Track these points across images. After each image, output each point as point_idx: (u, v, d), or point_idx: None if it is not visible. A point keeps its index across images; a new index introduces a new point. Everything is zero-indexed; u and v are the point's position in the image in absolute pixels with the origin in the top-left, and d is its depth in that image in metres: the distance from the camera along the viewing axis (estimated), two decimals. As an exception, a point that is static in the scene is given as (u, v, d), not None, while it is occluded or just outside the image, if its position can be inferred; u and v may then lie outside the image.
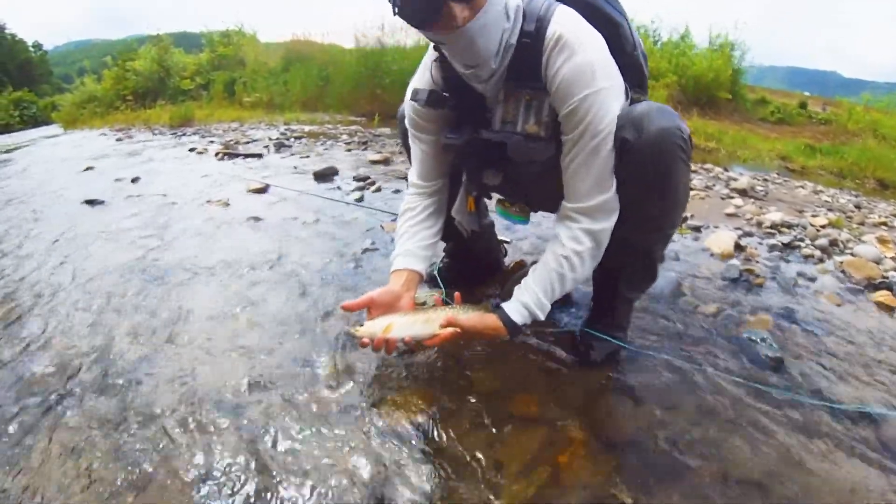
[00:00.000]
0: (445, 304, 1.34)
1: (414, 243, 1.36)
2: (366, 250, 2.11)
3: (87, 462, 1.10)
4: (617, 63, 1.14)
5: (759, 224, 2.57)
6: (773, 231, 2.46)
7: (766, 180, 4.10)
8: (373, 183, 3.19)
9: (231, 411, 1.22)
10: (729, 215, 2.76)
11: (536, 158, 1.16)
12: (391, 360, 1.38)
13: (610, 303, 1.38)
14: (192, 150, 4.89)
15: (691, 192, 3.24)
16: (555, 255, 1.18)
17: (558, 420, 1.20)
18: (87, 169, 4.33)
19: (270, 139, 5.22)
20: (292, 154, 4.46)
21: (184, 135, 6.31)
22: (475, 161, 1.27)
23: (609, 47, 1.12)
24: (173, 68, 10.92)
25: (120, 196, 3.27)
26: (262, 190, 3.16)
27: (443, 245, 1.76)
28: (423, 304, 1.57)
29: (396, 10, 0.99)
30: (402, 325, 1.21)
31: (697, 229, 2.45)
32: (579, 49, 1.05)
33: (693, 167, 4.41)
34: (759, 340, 1.45)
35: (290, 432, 1.15)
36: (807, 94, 12.38)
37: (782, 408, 1.23)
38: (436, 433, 1.15)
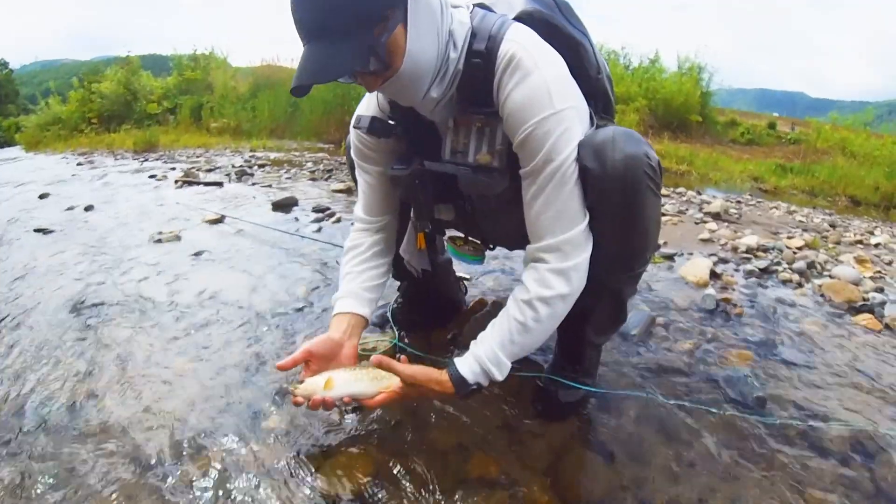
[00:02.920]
0: (397, 351, 1.19)
1: (358, 284, 1.21)
2: (316, 288, 1.95)
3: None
4: (581, 89, 1.02)
5: (735, 249, 2.49)
6: (749, 256, 2.37)
7: (739, 202, 4.08)
8: (332, 214, 3.05)
9: (153, 471, 1.07)
10: (703, 241, 2.67)
11: (489, 193, 1.02)
12: (336, 415, 1.22)
13: (576, 348, 1.23)
14: (151, 176, 4.70)
15: (664, 218, 3.16)
16: (516, 301, 1.01)
17: (520, 482, 1.04)
18: (43, 196, 4.14)
19: (234, 167, 5.06)
20: (253, 183, 4.30)
21: (146, 160, 6.11)
22: (425, 195, 1.13)
23: (571, 72, 1.00)
24: (140, 91, 10.67)
25: (72, 225, 3.10)
26: (218, 221, 2.99)
27: (396, 284, 1.60)
28: (373, 349, 1.41)
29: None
30: (344, 382, 1.06)
31: (671, 257, 2.34)
32: (534, 69, 0.92)
33: (665, 191, 4.39)
34: (742, 378, 1.31)
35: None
36: (776, 114, 12.78)
37: (772, 457, 1.09)
38: (378, 500, 0.99)
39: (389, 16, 0.85)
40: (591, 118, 1.09)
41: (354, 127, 1.12)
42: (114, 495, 1.01)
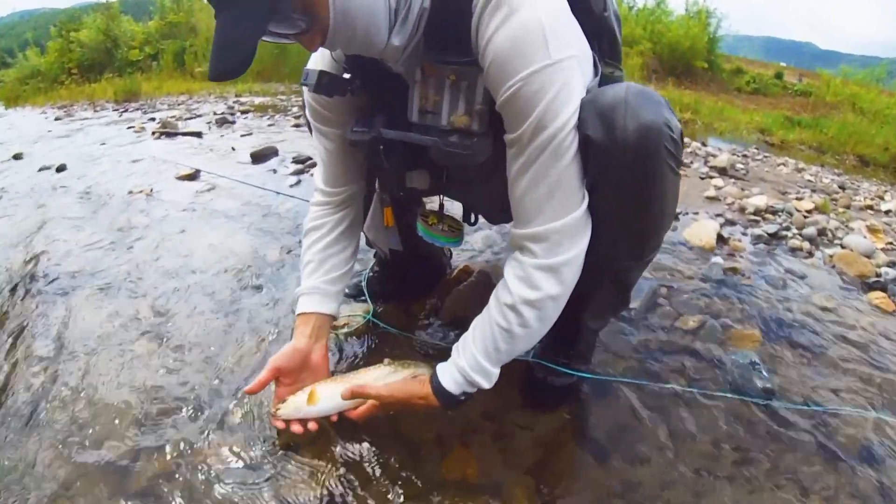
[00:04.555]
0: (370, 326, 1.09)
1: (320, 277, 1.07)
2: (290, 251, 1.80)
3: None
4: (584, 28, 0.83)
5: (742, 209, 2.33)
6: (757, 218, 2.22)
7: (745, 156, 3.88)
8: (313, 164, 2.85)
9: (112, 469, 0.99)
10: (709, 199, 2.51)
11: (468, 163, 0.84)
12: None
13: (571, 332, 1.09)
14: (129, 128, 4.44)
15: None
16: (499, 304, 0.85)
17: (501, 484, 0.96)
18: (16, 157, 3.91)
19: (215, 114, 4.78)
20: (234, 131, 4.05)
21: (125, 111, 5.78)
22: (392, 161, 0.93)
23: (572, 7, 0.80)
24: (121, 38, 10.02)
25: (42, 188, 2.90)
26: (193, 176, 2.80)
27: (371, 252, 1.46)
28: (345, 325, 1.30)
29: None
30: (330, 394, 0.96)
31: (675, 217, 2.19)
32: (523, 4, 0.71)
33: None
34: (749, 364, 1.20)
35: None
36: (783, 64, 12.31)
37: (777, 456, 0.99)
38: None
39: None
40: (595, 65, 0.91)
41: (302, 83, 0.92)
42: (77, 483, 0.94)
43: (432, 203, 1.19)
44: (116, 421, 1.10)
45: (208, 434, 1.06)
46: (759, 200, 2.39)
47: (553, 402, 1.12)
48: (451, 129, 0.83)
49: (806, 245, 1.93)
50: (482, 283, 1.43)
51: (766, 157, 4.02)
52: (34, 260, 1.90)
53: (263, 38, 0.71)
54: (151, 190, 2.57)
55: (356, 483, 0.95)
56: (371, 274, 1.46)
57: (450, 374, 0.89)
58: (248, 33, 0.68)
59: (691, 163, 3.38)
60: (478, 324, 0.90)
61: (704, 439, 1.04)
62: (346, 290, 1.41)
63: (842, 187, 3.23)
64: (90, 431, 1.08)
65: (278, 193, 2.32)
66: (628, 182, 0.78)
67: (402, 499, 0.92)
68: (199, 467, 0.99)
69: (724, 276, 1.63)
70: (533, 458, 1.02)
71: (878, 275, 1.69)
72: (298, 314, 1.06)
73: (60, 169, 3.27)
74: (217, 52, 0.69)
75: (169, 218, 2.20)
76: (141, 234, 2.05)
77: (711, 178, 2.98)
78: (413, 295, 1.45)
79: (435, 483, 0.96)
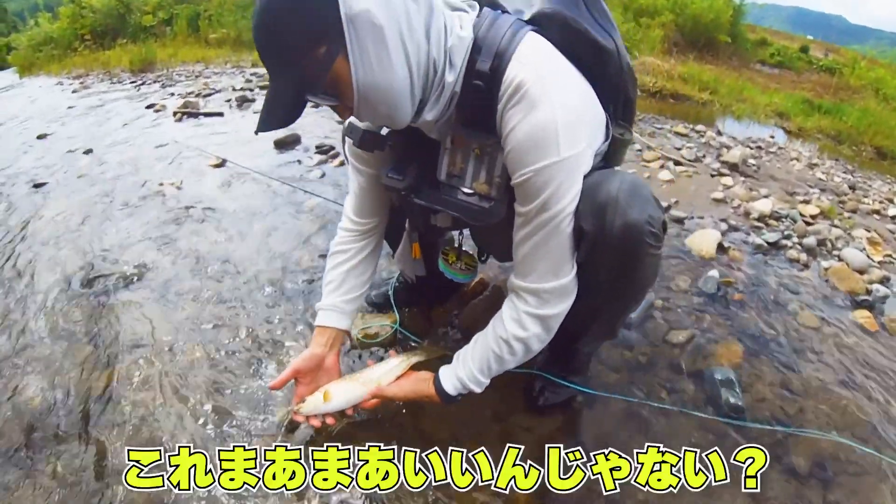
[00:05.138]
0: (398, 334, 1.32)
1: (339, 296, 1.22)
2: (322, 255, 1.93)
3: None
4: (599, 92, 0.96)
5: (747, 214, 2.42)
6: (760, 225, 2.31)
7: (760, 148, 3.90)
8: (335, 155, 2.96)
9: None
10: (716, 201, 2.59)
11: (484, 223, 0.99)
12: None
13: (566, 353, 1.26)
14: (149, 106, 4.53)
15: (679, 169, 3.06)
16: (495, 334, 1.03)
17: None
18: (40, 137, 4.03)
19: (234, 90, 4.85)
20: (255, 112, 4.13)
21: (143, 83, 5.83)
22: (421, 206, 1.08)
23: (591, 74, 0.93)
24: (133, 3, 9.92)
25: (71, 174, 3.04)
26: (219, 165, 2.94)
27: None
28: (375, 335, 1.46)
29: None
30: (341, 393, 1.15)
31: (681, 221, 2.29)
32: (542, 102, 0.83)
33: (684, 130, 4.19)
34: (724, 381, 1.34)
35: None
36: (810, 37, 11.84)
37: (736, 465, 1.14)
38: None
39: (319, 51, 0.78)
40: (607, 127, 1.03)
41: (345, 135, 1.06)
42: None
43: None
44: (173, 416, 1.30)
45: (248, 429, 1.25)
46: (765, 205, 2.46)
47: (549, 409, 1.29)
48: (473, 192, 0.97)
49: (803, 257, 2.03)
50: (494, 297, 1.59)
51: (780, 149, 4.03)
52: (84, 256, 2.06)
53: (309, 99, 0.85)
54: (181, 182, 2.71)
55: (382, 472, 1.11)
56: (397, 284, 1.61)
57: (450, 381, 1.08)
58: (288, 100, 0.84)
59: (703, 156, 3.42)
60: (478, 341, 1.07)
61: (674, 447, 1.19)
62: (374, 300, 1.59)
63: (852, 187, 3.27)
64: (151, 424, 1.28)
65: (305, 192, 2.45)
66: (613, 265, 0.94)
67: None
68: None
69: (717, 290, 1.75)
70: (531, 457, 1.19)
71: (868, 292, 1.79)
72: (317, 325, 1.23)
73: (87, 152, 3.39)
74: (264, 110, 0.86)
75: (200, 216, 2.34)
76: (176, 232, 2.20)
77: (722, 175, 3.04)
78: (435, 303, 1.62)
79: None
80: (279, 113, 0.84)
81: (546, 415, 1.29)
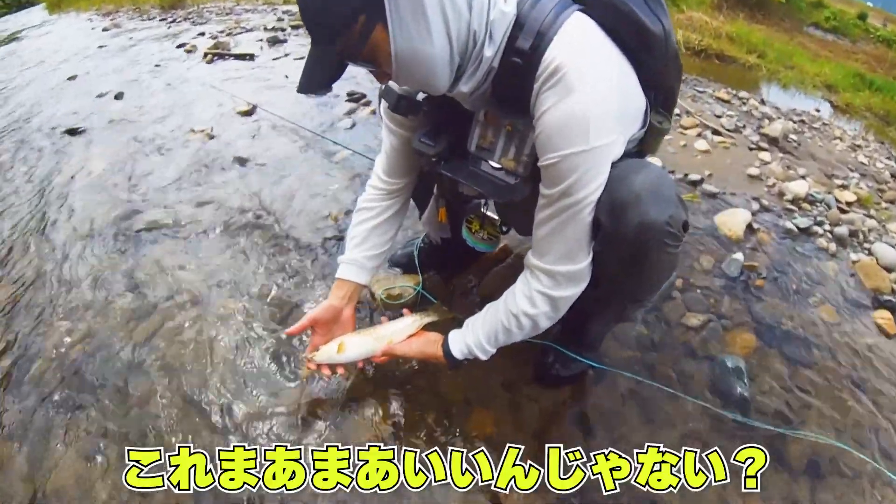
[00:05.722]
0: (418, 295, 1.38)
1: (361, 252, 1.25)
2: (348, 212, 1.95)
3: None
4: (642, 77, 0.93)
5: (781, 195, 2.34)
6: (793, 208, 2.24)
7: (802, 122, 3.72)
8: (367, 103, 2.90)
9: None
10: (751, 178, 2.50)
11: (509, 200, 1.00)
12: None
13: (579, 330, 1.28)
14: (179, 46, 4.43)
15: (715, 139, 2.95)
16: (506, 307, 1.05)
17: (511, 442, 1.14)
18: (70, 78, 3.99)
19: (266, 29, 4.70)
20: (286, 54, 4.01)
21: (174, 21, 5.68)
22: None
23: (636, 59, 0.91)
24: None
25: (103, 120, 3.07)
26: (249, 112, 2.92)
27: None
28: (398, 296, 1.51)
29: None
30: (354, 345, 1.20)
31: (713, 196, 2.24)
32: (577, 89, 0.81)
33: (727, 96, 3.99)
34: (733, 370, 1.36)
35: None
36: (869, 4, 10.97)
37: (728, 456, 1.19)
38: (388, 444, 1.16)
39: (360, 20, 0.79)
40: (645, 114, 1.00)
41: (381, 97, 1.06)
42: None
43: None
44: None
45: (270, 388, 1.33)
46: (801, 187, 2.38)
47: (559, 382, 1.33)
48: (500, 167, 0.97)
49: (833, 246, 1.98)
50: (515, 267, 1.59)
51: (824, 125, 3.84)
52: (120, 207, 2.12)
53: (349, 64, 0.86)
54: (212, 129, 2.72)
55: (402, 425, 1.23)
56: (422, 245, 1.62)
57: (458, 346, 1.11)
58: (326, 65, 0.86)
59: (744, 127, 3.28)
60: (489, 311, 1.10)
61: (673, 433, 1.23)
62: (399, 259, 1.62)
63: (893, 175, 3.13)
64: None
65: (335, 143, 2.43)
66: (625, 261, 0.94)
67: (433, 444, 1.17)
68: (267, 412, 1.27)
69: (739, 274, 1.73)
70: (537, 424, 1.25)
71: (893, 291, 1.76)
72: (337, 278, 1.26)
73: (118, 97, 3.38)
74: (304, 74, 0.87)
75: (232, 165, 2.38)
76: (209, 182, 2.24)
77: (760, 149, 2.92)
78: (458, 267, 1.64)
79: (460, 435, 1.21)
80: (319, 77, 0.86)
81: (554, 387, 1.33)
